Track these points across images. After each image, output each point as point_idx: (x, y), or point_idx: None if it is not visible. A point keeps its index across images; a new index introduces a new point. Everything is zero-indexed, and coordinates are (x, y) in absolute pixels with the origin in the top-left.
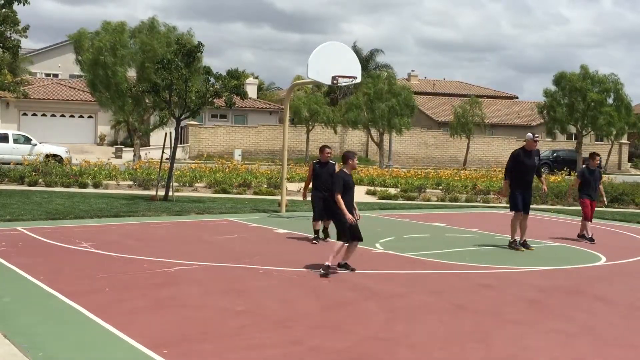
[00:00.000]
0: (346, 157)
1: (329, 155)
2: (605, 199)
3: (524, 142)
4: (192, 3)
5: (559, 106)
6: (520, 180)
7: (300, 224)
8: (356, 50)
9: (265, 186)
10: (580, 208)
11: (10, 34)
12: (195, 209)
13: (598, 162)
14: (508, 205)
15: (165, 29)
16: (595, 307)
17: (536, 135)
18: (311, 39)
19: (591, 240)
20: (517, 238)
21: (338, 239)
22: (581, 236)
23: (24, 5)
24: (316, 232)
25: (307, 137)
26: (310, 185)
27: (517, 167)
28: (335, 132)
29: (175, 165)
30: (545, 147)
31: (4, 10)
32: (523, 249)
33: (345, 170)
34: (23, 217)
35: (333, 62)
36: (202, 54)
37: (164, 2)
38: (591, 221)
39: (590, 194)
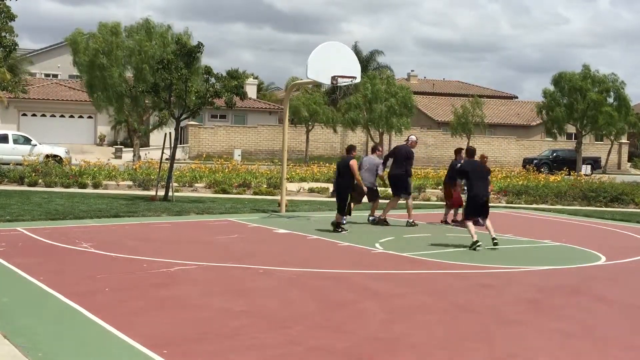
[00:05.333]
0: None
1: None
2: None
3: (411, 142)
4: (191, 3)
5: (557, 106)
6: (410, 172)
7: (300, 223)
8: (357, 51)
9: (265, 186)
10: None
11: (5, 33)
12: (195, 209)
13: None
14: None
15: (160, 29)
16: (595, 307)
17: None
18: (311, 40)
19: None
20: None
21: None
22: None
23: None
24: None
25: (307, 137)
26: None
27: (412, 162)
28: (335, 131)
29: (175, 165)
30: (545, 147)
31: None
32: (412, 226)
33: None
34: (23, 218)
35: (332, 62)
36: (202, 54)
37: (163, 2)
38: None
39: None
